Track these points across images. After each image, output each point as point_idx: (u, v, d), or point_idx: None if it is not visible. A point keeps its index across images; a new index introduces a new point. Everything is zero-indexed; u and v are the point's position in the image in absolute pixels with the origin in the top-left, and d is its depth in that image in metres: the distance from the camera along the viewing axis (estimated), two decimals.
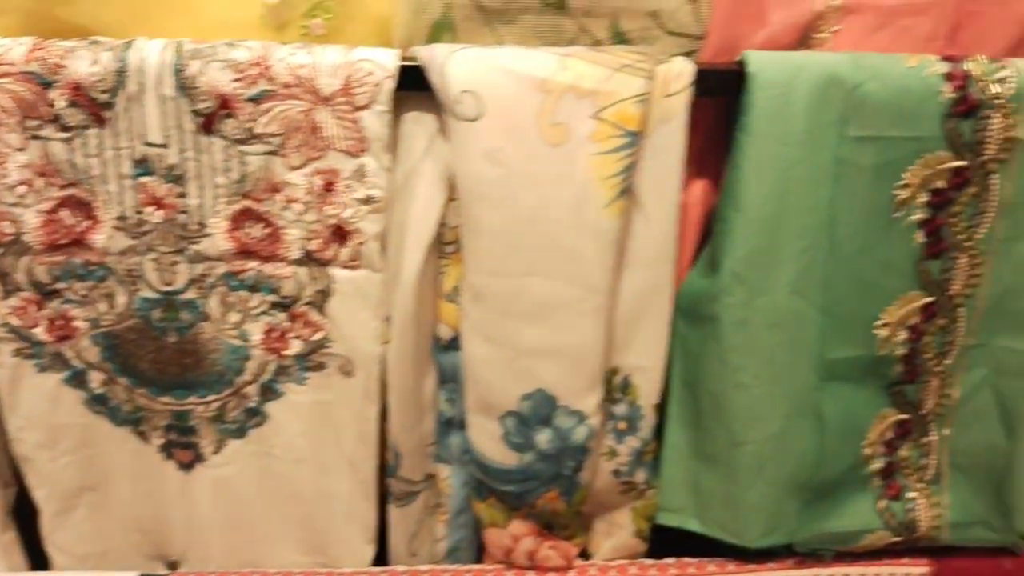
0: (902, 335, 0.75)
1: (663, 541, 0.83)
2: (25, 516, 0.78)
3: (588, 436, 0.73)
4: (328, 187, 0.65)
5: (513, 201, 0.64)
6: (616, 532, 0.81)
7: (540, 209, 0.65)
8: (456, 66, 0.62)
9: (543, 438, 0.72)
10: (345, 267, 0.68)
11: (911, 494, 0.81)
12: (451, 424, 0.76)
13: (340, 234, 0.67)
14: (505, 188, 0.64)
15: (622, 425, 0.75)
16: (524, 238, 0.65)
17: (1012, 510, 0.80)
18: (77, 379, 0.72)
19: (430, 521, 0.80)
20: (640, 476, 0.77)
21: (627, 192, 0.66)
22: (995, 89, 0.68)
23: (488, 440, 0.73)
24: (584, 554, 0.82)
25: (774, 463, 0.75)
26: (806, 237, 0.70)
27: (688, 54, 0.69)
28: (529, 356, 0.69)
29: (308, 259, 0.68)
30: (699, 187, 0.73)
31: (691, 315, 0.75)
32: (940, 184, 0.70)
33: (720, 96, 0.68)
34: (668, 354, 0.76)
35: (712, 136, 0.72)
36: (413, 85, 0.64)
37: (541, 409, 0.71)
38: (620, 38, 0.68)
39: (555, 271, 0.66)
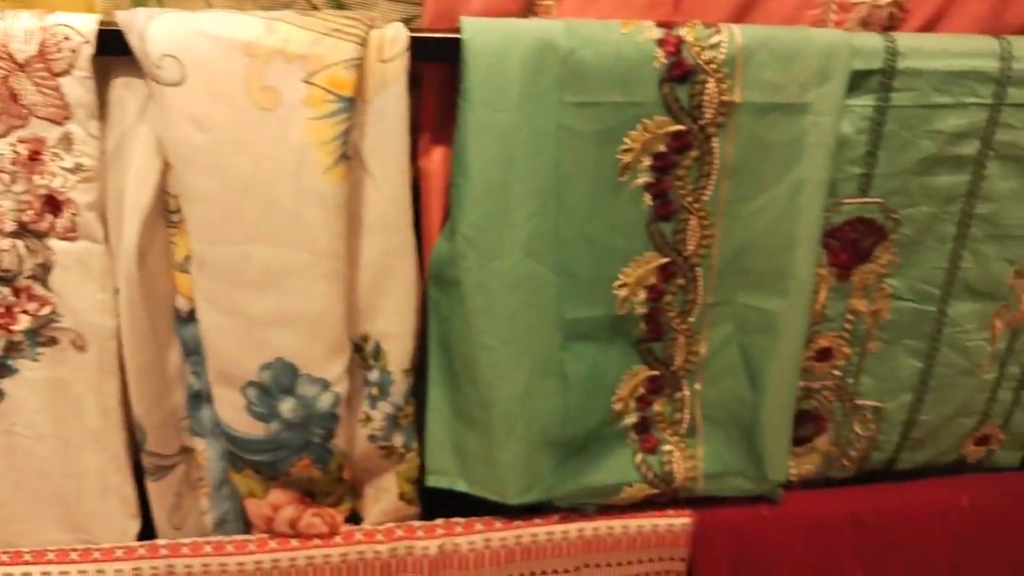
0: (641, 295, 0.77)
1: (440, 503, 0.85)
2: None
3: (334, 403, 0.73)
4: (34, 156, 0.64)
5: (226, 167, 0.64)
6: (383, 496, 0.82)
7: (256, 175, 0.65)
8: (156, 30, 0.61)
9: (287, 407, 0.72)
10: (63, 239, 0.67)
11: (666, 447, 0.84)
12: (200, 397, 0.76)
13: (53, 204, 0.65)
14: (215, 154, 0.63)
15: (375, 391, 0.76)
16: (242, 204, 0.65)
17: (763, 459, 0.85)
18: None
19: (193, 494, 0.79)
20: (398, 440, 0.78)
21: (347, 157, 0.66)
22: (708, 55, 0.70)
23: (233, 411, 0.73)
24: (355, 519, 0.83)
25: (523, 421, 0.77)
26: (534, 201, 0.71)
27: (409, 20, 0.69)
28: (264, 325, 0.69)
29: (24, 231, 0.67)
30: (439, 154, 0.74)
31: (439, 280, 0.76)
32: (662, 148, 0.72)
33: (440, 62, 0.69)
34: (425, 319, 0.77)
35: (449, 103, 0.73)
36: (118, 50, 0.63)
37: (282, 378, 0.71)
38: (337, 3, 0.68)
39: (278, 237, 0.66)
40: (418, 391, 0.80)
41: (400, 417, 0.77)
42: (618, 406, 0.81)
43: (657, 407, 0.84)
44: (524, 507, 0.83)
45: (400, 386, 0.75)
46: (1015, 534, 0.94)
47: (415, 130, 0.71)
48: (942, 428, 0.91)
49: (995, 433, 0.95)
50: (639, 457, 0.84)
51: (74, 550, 0.77)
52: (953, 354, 0.87)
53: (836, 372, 0.87)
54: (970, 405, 0.91)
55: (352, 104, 0.65)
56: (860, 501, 0.90)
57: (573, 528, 0.84)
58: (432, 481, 0.83)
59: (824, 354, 0.86)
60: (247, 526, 0.82)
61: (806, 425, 0.90)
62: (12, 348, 0.70)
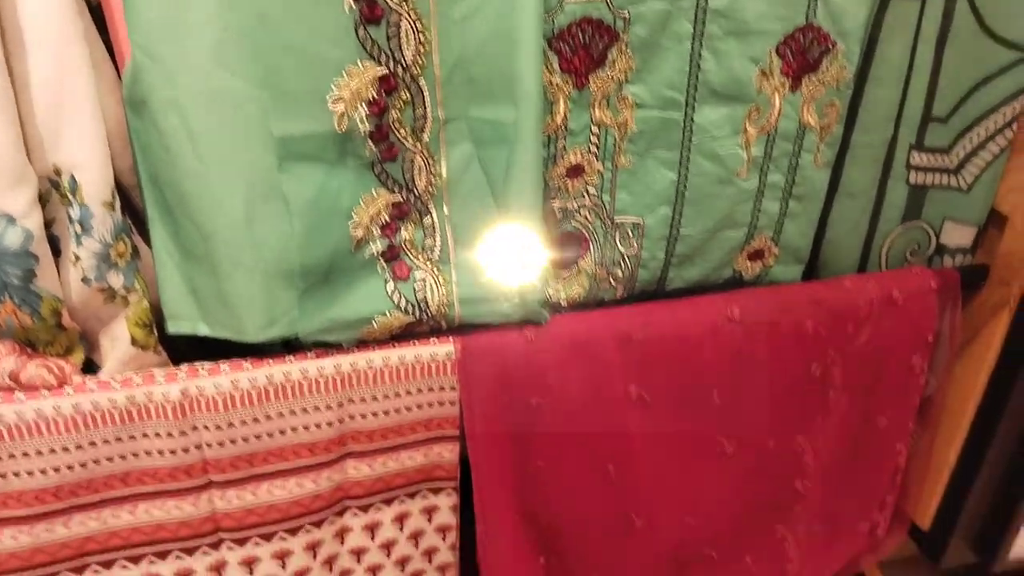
0: (362, 110, 0.73)
1: (197, 349, 0.81)
2: None
3: (25, 240, 0.68)
4: None
5: None
6: (118, 345, 0.78)
7: None
8: None
9: None
10: None
11: (419, 274, 0.82)
12: None
13: None
14: None
15: (78, 228, 0.71)
16: None
17: (521, 281, 0.83)
18: None
19: None
20: (115, 281, 0.74)
21: None
22: None
23: None
24: (93, 369, 0.79)
25: (249, 251, 0.74)
26: (214, 2, 0.66)
27: None
28: None
29: None
30: None
31: (132, 102, 0.70)
32: None
33: None
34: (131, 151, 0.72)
35: None
36: None
37: None
38: None
39: None
40: None
41: (112, 256, 0.72)
42: (358, 232, 0.78)
43: (405, 234, 0.81)
44: (278, 347, 0.80)
45: (102, 221, 0.71)
46: (787, 343, 0.96)
47: None
48: (708, 242, 0.91)
49: (768, 247, 0.95)
50: (391, 286, 0.82)
51: None
52: (706, 163, 0.86)
53: (591, 190, 0.86)
54: (733, 216, 0.91)
55: None
56: (628, 319, 0.90)
57: (329, 363, 0.82)
58: (172, 327, 0.79)
59: (575, 171, 0.84)
60: None
61: (569, 247, 0.89)
62: None
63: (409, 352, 0.84)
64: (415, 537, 0.97)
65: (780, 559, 1.09)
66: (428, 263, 0.82)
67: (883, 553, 1.21)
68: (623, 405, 0.91)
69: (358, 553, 0.94)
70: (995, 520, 1.21)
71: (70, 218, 0.71)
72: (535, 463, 0.92)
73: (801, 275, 1.01)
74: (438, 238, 0.82)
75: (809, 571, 1.12)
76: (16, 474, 0.76)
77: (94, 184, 0.70)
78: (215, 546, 0.86)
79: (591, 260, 0.89)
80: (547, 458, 0.92)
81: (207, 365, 0.79)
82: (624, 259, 0.90)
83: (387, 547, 0.96)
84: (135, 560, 0.84)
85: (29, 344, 0.74)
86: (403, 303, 0.81)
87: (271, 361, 0.81)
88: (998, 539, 1.22)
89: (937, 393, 1.11)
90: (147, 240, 0.79)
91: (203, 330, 0.78)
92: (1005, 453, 1.15)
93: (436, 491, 0.95)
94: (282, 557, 0.89)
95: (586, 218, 0.87)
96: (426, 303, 0.82)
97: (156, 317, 0.80)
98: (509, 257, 0.83)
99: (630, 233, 0.88)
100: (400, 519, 0.95)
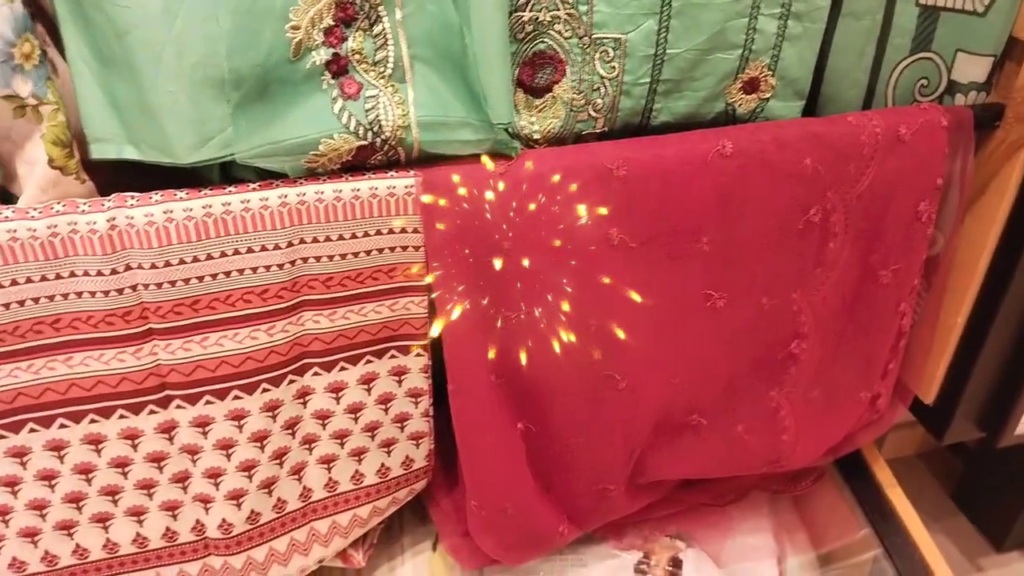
0: None
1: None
2: None
3: None
4: None
5: None
6: (35, 170, 0.69)
7: None
8: None
9: None
10: None
11: (371, 91, 0.73)
12: None
13: None
14: None
15: None
16: None
17: (485, 100, 0.74)
18: None
19: None
20: (22, 88, 0.66)
21: None
22: None
23: None
24: (10, 201, 0.71)
25: (171, 50, 0.66)
26: None
27: None
28: None
29: None
30: None
31: None
32: None
33: None
34: None
35: None
36: None
37: None
38: None
39: None
40: None
41: (16, 57, 0.63)
42: (296, 36, 0.69)
43: (353, 44, 0.72)
44: (217, 180, 0.72)
45: None
46: (784, 184, 0.87)
47: None
48: (698, 65, 0.82)
49: (764, 76, 0.87)
50: (338, 105, 0.73)
51: None
52: None
53: (567, 1, 0.76)
54: (726, 35, 0.82)
55: None
56: (609, 153, 0.81)
57: (274, 195, 0.73)
58: (96, 151, 0.71)
59: None
60: None
61: (543, 71, 0.80)
62: None
63: (364, 184, 0.76)
64: (384, 403, 0.90)
65: (775, 429, 1.02)
66: (380, 79, 0.73)
67: (883, 428, 1.15)
68: (604, 250, 0.82)
69: (322, 418, 0.87)
70: (1001, 393, 1.14)
71: None
72: (508, 316, 0.84)
73: (801, 113, 0.91)
74: (391, 50, 0.73)
75: (805, 443, 1.05)
76: None
77: None
78: (163, 403, 0.79)
79: (567, 85, 0.80)
80: (521, 310, 0.84)
81: (137, 195, 0.71)
82: (604, 84, 0.80)
83: (354, 412, 0.89)
84: (75, 418, 0.77)
85: None
86: (353, 124, 0.72)
87: (208, 191, 0.72)
88: (1004, 413, 1.16)
89: (944, 252, 1.02)
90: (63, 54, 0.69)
91: (129, 153, 0.70)
92: (1014, 318, 1.08)
93: (404, 350, 0.87)
94: (238, 419, 0.82)
95: (560, 33, 0.78)
96: (379, 125, 0.73)
97: (80, 148, 0.71)
98: (469, 71, 0.73)
99: (611, 52, 0.79)
100: (367, 381, 0.87)
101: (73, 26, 0.66)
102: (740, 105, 0.87)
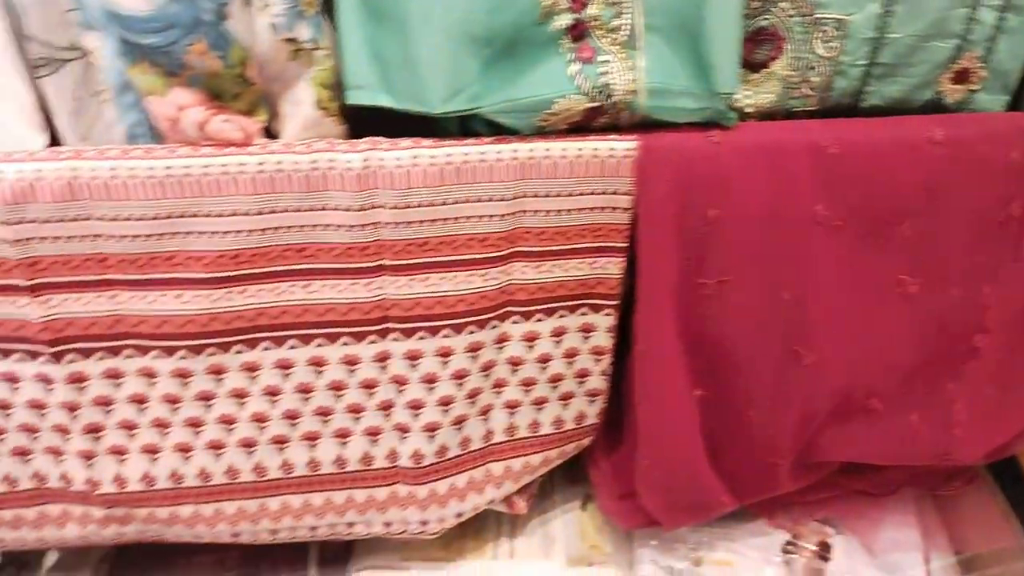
0: None
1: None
2: None
3: None
4: None
5: None
6: (299, 110, 0.77)
7: None
8: None
9: None
10: None
11: (604, 57, 0.78)
12: None
13: None
14: None
15: None
16: None
17: (711, 71, 0.78)
18: None
19: (95, 102, 0.75)
20: (303, 32, 0.73)
21: None
22: None
23: None
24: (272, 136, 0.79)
25: (440, 10, 0.71)
26: None
27: None
28: None
29: None
30: None
31: None
32: None
33: None
34: None
35: None
36: None
37: None
38: None
39: None
40: None
41: (301, 3, 0.70)
42: (547, 2, 0.74)
43: (593, 10, 0.77)
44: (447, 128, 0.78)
45: None
46: (989, 175, 0.87)
47: None
48: (915, 51, 0.84)
49: (975, 68, 0.87)
50: (574, 67, 0.78)
51: None
52: None
53: None
54: (946, 23, 0.83)
55: None
56: (823, 132, 0.84)
57: (507, 149, 0.79)
58: (353, 97, 0.78)
59: None
60: (161, 142, 0.78)
61: (762, 47, 0.83)
62: None
63: (587, 145, 0.81)
64: (570, 357, 0.95)
65: (948, 422, 1.02)
66: (615, 46, 0.77)
67: None
68: (808, 225, 0.85)
69: (514, 364, 0.93)
70: None
71: None
72: (704, 283, 0.88)
73: (1006, 108, 0.91)
74: (627, 18, 0.77)
75: (975, 439, 1.04)
76: (200, 233, 0.76)
77: None
78: (382, 334, 0.86)
79: (784, 62, 0.83)
80: (718, 278, 0.87)
81: (387, 140, 0.77)
82: (821, 63, 0.83)
83: (543, 362, 0.94)
84: (305, 340, 0.85)
85: (215, 96, 0.74)
86: (586, 86, 0.77)
87: (452, 141, 0.78)
88: None
89: None
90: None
91: (383, 100, 0.77)
92: None
93: (596, 308, 0.92)
94: (445, 355, 0.88)
95: (784, 11, 0.80)
96: (609, 89, 0.77)
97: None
98: (700, 44, 0.77)
99: (832, 32, 0.81)
100: (558, 334, 0.92)
101: None
102: (948, 95, 0.88)
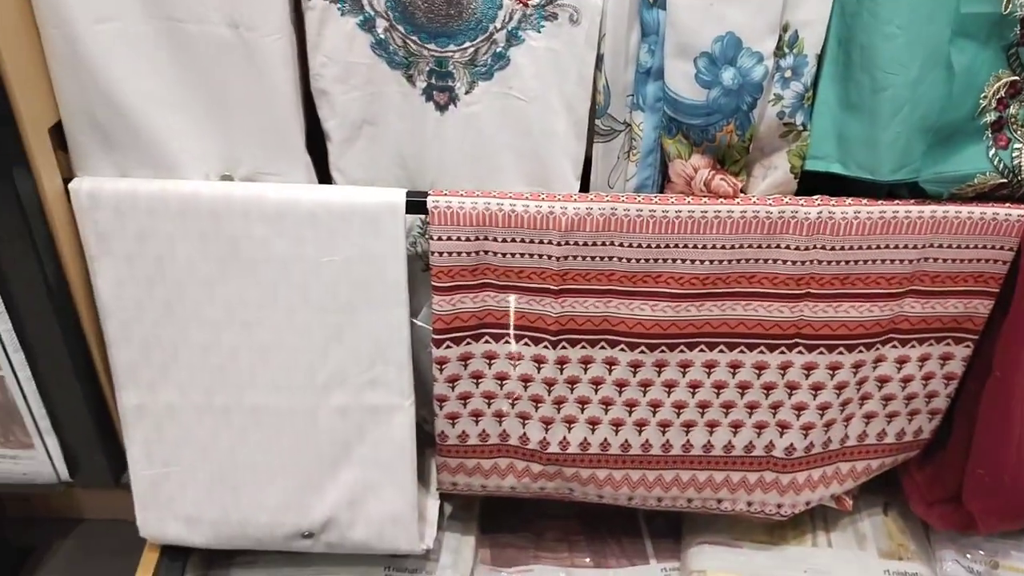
0: None
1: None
2: (317, 148, 1.03)
3: (763, 75, 0.92)
4: None
5: None
6: (771, 173, 1.02)
7: None
8: None
9: (728, 76, 0.92)
10: None
11: (1017, 145, 1.00)
12: (648, 74, 0.97)
13: None
14: None
15: (788, 73, 0.95)
16: None
17: None
18: (367, 24, 0.94)
19: (624, 163, 1.02)
20: (799, 118, 0.97)
21: None
22: None
23: (683, 80, 0.94)
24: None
25: (909, 106, 0.94)
26: None
27: None
28: (721, 2, 0.89)
29: None
30: None
31: None
32: None
33: None
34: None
35: None
36: None
37: (728, 50, 0.91)
38: None
39: None
40: None
41: (805, 98, 0.96)
42: (982, 103, 0.96)
43: (1013, 110, 0.99)
44: (887, 191, 1.01)
45: (811, 68, 0.94)
46: None
47: None
48: None
49: None
50: (992, 151, 0.99)
51: (541, 193, 1.01)
52: None
53: None
54: None
55: None
56: None
57: (927, 210, 1.02)
58: (811, 165, 1.02)
59: None
60: (661, 191, 1.04)
61: None
62: (524, 20, 0.92)
63: (988, 210, 1.02)
64: (926, 379, 1.15)
65: None
66: None
67: None
68: None
69: (882, 381, 1.15)
70: None
71: (779, 66, 0.95)
72: None
73: None
74: None
75: None
76: (684, 260, 1.02)
77: (814, 38, 0.92)
78: (790, 348, 1.09)
79: None
80: None
81: (831, 199, 1.01)
82: None
83: (904, 382, 1.15)
84: (730, 347, 1.09)
85: (720, 161, 0.99)
86: (1001, 166, 0.99)
87: (884, 201, 1.01)
88: None
89: None
90: None
91: (836, 168, 1.00)
92: None
93: (958, 340, 1.13)
94: (833, 369, 1.11)
95: None
96: (1019, 169, 0.99)
97: None
98: None
99: None
100: (923, 359, 1.14)
101: (833, 82, 0.97)
102: None
